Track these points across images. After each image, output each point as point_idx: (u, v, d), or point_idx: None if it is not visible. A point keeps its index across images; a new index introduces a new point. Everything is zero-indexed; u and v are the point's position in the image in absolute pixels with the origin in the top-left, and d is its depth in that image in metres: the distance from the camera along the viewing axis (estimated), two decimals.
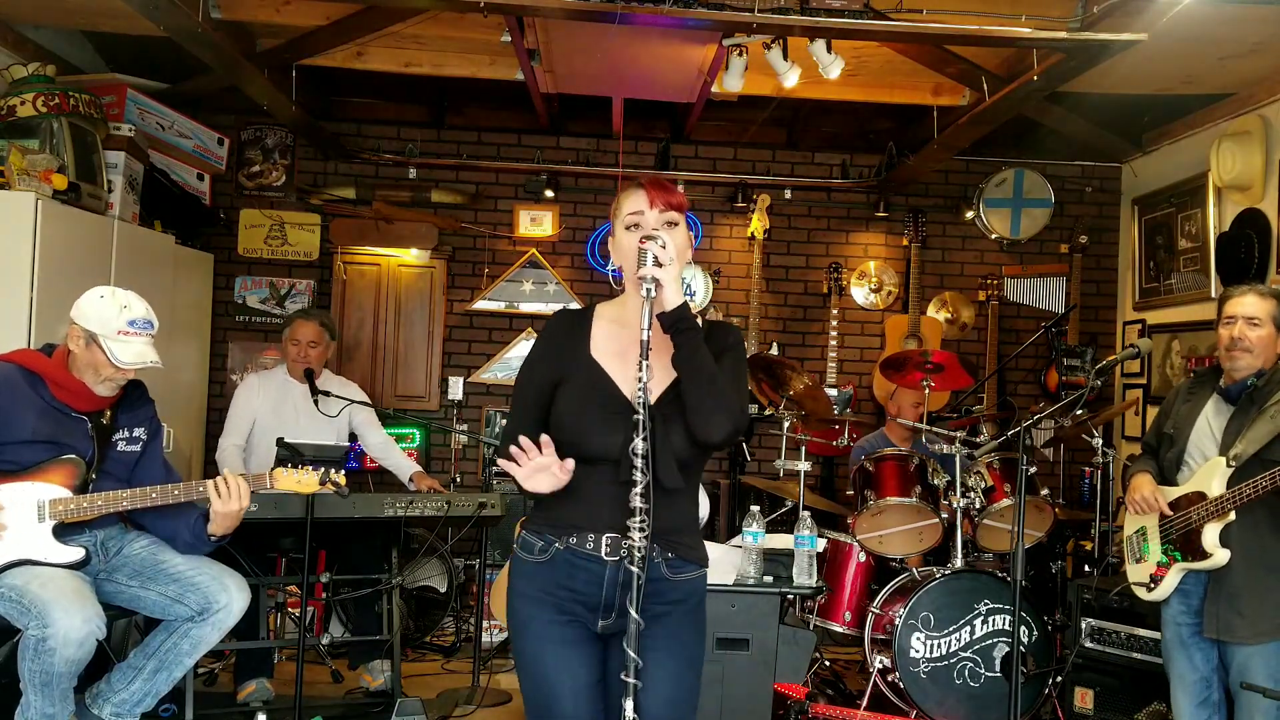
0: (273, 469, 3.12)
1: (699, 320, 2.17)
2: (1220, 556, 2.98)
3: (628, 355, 2.09)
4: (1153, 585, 3.16)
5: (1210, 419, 3.14)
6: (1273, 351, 3.05)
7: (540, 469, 1.97)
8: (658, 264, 1.96)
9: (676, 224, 2.11)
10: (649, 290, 1.95)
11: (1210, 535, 2.99)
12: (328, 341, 4.52)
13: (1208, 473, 3.04)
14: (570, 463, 2.00)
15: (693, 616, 2.13)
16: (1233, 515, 2.97)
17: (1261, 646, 2.92)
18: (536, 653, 2.07)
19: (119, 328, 3.00)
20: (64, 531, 3.02)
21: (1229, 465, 2.98)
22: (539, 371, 2.14)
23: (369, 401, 4.68)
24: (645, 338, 1.94)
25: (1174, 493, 3.14)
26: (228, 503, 3.01)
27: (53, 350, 3.11)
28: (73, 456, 3.02)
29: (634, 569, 1.90)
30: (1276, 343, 3.05)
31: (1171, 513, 3.11)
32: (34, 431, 2.97)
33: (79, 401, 3.05)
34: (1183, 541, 3.08)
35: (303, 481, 3.10)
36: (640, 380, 1.92)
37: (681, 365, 2.00)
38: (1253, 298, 3.06)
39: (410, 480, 4.54)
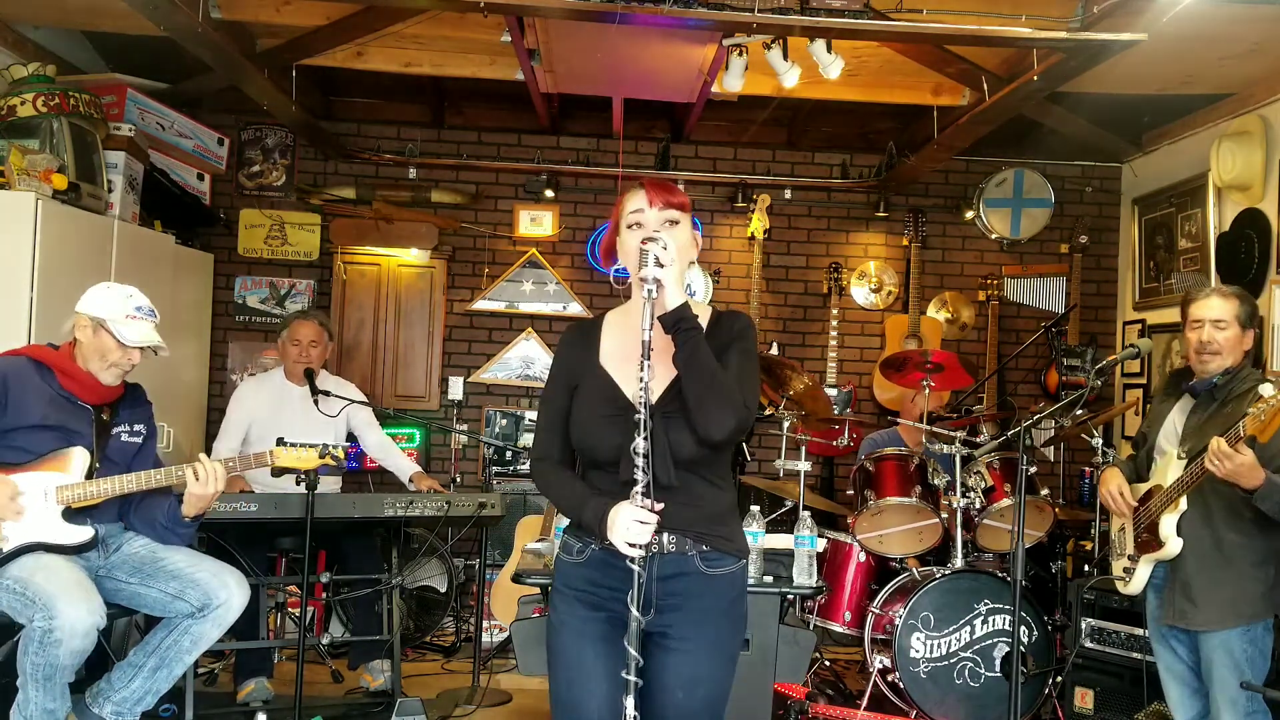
0: (273, 448, 3.24)
1: (708, 309, 2.20)
2: (1173, 546, 3.02)
3: (632, 359, 2.12)
4: (1126, 579, 3.19)
5: (1175, 417, 3.19)
6: (1240, 350, 3.08)
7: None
8: (659, 264, 1.99)
9: (678, 223, 2.13)
10: (650, 291, 1.99)
11: (1165, 525, 3.04)
12: (327, 341, 4.52)
13: (1164, 466, 3.09)
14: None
15: (731, 613, 2.14)
16: (1184, 504, 3.01)
17: (1223, 635, 2.94)
18: (570, 647, 2.10)
19: (126, 312, 3.14)
20: (70, 516, 3.09)
21: (1179, 458, 3.03)
22: (558, 387, 2.21)
23: (368, 401, 4.68)
24: (646, 338, 1.96)
25: (1142, 488, 3.20)
26: (204, 485, 3.10)
27: (58, 347, 3.23)
28: (79, 447, 3.11)
29: (634, 568, 1.93)
30: (1243, 341, 3.08)
31: (1138, 506, 3.16)
32: (43, 417, 3.08)
33: (85, 392, 3.16)
34: (1147, 534, 3.12)
35: (302, 458, 3.21)
36: (641, 380, 1.94)
37: (681, 365, 2.02)
38: (1217, 300, 3.09)
39: (410, 481, 4.54)
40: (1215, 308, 3.08)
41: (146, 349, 3.19)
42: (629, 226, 2.13)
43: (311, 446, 3.22)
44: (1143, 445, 3.31)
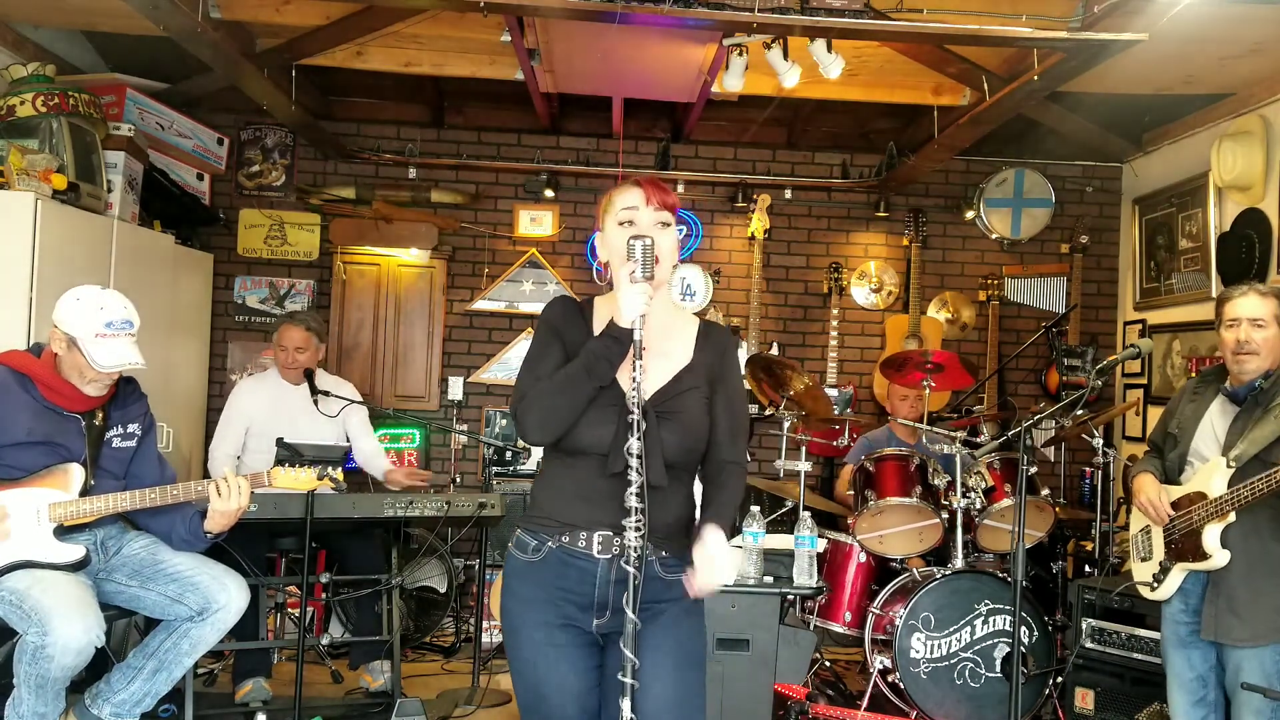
0: (271, 468, 3.14)
1: (694, 321, 2.19)
2: (1220, 558, 2.95)
3: None
4: (1155, 585, 3.15)
5: (1214, 420, 3.10)
6: (1279, 351, 3.01)
7: None
8: (647, 275, 1.97)
9: (669, 224, 2.10)
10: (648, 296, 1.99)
11: (1210, 536, 2.97)
12: (315, 345, 4.47)
13: (1208, 473, 3.02)
14: None
15: (689, 613, 2.11)
16: (1233, 516, 2.94)
17: (1258, 649, 2.90)
18: (529, 656, 2.06)
19: (96, 330, 2.97)
20: (64, 533, 3.03)
21: (1229, 466, 2.96)
22: (554, 348, 2.11)
23: (364, 401, 4.67)
24: (637, 338, 1.95)
25: (1176, 492, 3.13)
26: (228, 501, 3.02)
27: (41, 350, 3.11)
28: (73, 463, 3.03)
29: (630, 569, 1.90)
30: None
31: (1174, 513, 3.09)
32: (29, 432, 2.98)
33: (70, 403, 3.06)
34: (1184, 541, 3.06)
35: (300, 479, 3.13)
36: (634, 380, 1.93)
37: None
38: (1254, 298, 3.02)
39: (385, 479, 4.50)
40: (1253, 306, 3.00)
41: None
42: (620, 223, 2.08)
43: (310, 467, 3.13)
44: (1173, 447, 3.20)
